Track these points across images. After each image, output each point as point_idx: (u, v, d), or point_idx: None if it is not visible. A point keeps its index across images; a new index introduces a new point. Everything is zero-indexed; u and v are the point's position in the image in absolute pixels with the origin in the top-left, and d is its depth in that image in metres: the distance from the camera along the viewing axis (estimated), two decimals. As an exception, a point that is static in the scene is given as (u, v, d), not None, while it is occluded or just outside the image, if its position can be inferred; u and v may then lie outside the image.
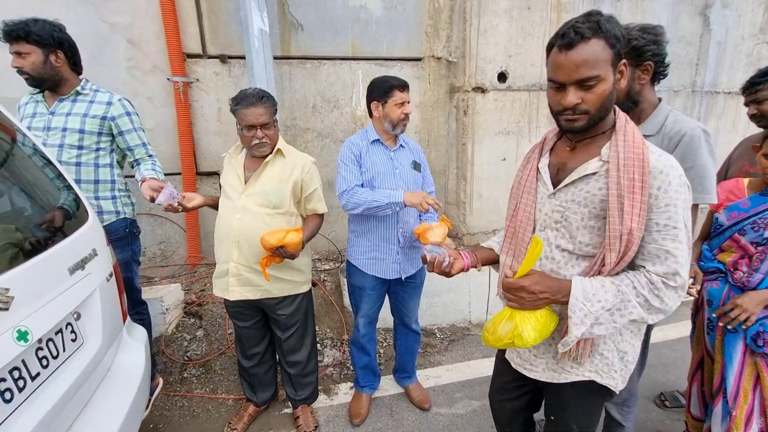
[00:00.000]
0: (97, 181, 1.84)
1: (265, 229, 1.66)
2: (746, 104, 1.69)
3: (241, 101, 1.63)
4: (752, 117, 1.67)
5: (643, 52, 1.32)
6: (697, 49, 3.83)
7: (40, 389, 1.07)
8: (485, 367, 2.54)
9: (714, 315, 1.55)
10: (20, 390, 1.01)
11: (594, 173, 0.97)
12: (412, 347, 2.21)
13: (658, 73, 1.39)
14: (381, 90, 1.81)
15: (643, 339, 1.42)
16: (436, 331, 2.94)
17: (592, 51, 0.87)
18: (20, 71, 1.69)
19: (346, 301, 2.91)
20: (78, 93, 1.81)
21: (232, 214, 1.68)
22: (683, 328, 2.99)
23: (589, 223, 0.98)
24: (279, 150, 1.75)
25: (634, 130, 0.95)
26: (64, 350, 1.19)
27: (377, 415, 2.13)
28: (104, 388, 1.33)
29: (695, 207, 1.40)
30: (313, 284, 2.92)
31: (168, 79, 2.90)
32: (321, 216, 1.88)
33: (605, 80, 0.90)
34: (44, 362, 1.11)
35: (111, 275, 1.49)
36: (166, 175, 2.90)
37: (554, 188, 1.04)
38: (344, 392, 2.32)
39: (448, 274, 1.19)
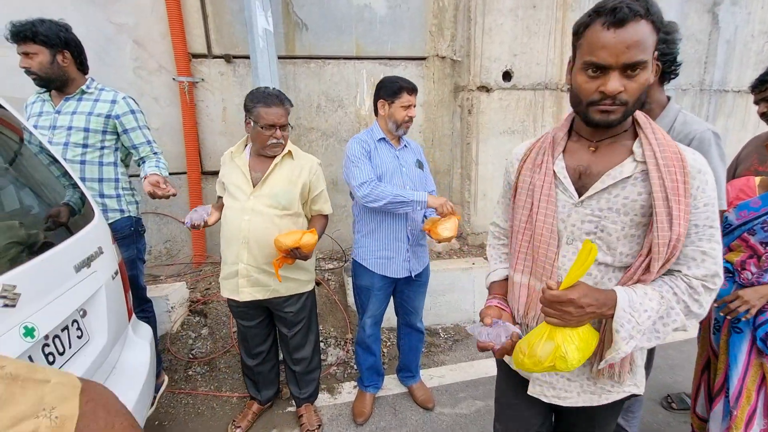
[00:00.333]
0: (101, 180, 1.86)
1: (274, 230, 1.68)
2: (756, 102, 1.66)
3: (262, 100, 1.62)
4: (762, 115, 1.65)
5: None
6: (706, 47, 3.79)
7: (46, 385, 1.08)
8: (489, 367, 2.53)
9: (716, 305, 1.54)
10: (26, 386, 1.01)
11: (629, 176, 0.87)
12: (416, 346, 2.21)
13: (668, 72, 1.33)
14: (390, 89, 1.82)
15: None
16: (440, 331, 2.93)
17: (643, 32, 0.78)
18: (28, 71, 1.71)
19: (350, 300, 2.91)
20: (83, 92, 1.82)
21: (240, 216, 1.68)
22: (690, 330, 2.95)
23: (630, 232, 0.88)
24: (289, 152, 1.76)
25: (659, 127, 0.90)
26: (70, 347, 1.20)
27: (381, 415, 2.13)
28: (109, 385, 1.34)
29: None
30: (317, 283, 2.92)
31: (173, 79, 2.92)
32: (326, 217, 1.90)
33: (647, 69, 0.81)
34: (50, 358, 1.12)
35: (116, 273, 1.51)
36: (171, 174, 2.93)
37: (579, 195, 0.92)
38: (347, 391, 2.32)
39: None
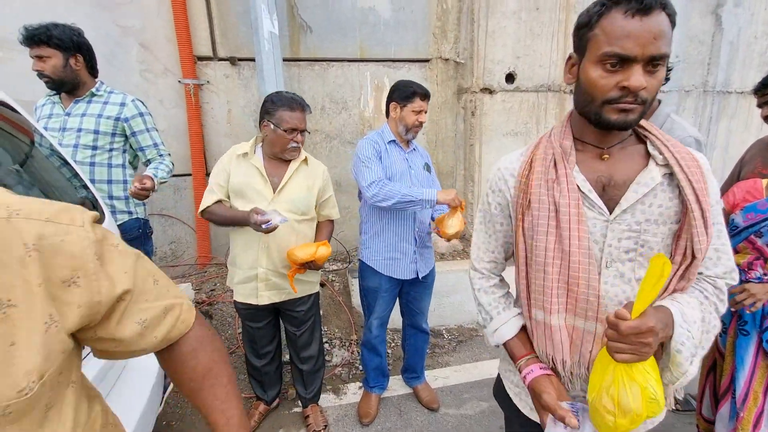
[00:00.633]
0: (110, 181, 1.87)
1: (293, 235, 1.71)
2: (759, 105, 1.67)
3: (286, 104, 1.64)
4: (766, 118, 1.65)
5: None
6: (709, 49, 3.79)
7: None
8: (493, 368, 2.53)
9: None
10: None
11: (658, 183, 0.81)
12: (422, 347, 2.22)
13: None
14: (403, 93, 1.84)
15: None
16: (443, 332, 2.94)
17: (667, 24, 0.71)
18: (41, 74, 1.73)
19: (354, 301, 2.92)
20: (93, 94, 1.84)
21: None
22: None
23: (667, 242, 0.81)
24: (305, 158, 1.79)
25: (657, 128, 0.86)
26: (83, 347, 1.22)
27: (386, 415, 2.14)
28: (121, 384, 1.35)
29: None
30: (321, 284, 2.93)
31: (179, 81, 2.94)
32: (332, 222, 1.93)
33: (664, 66, 0.73)
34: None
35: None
36: (176, 176, 2.95)
37: (610, 210, 0.82)
38: (353, 392, 2.33)
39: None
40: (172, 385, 2.13)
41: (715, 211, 0.83)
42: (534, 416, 0.96)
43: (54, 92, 1.84)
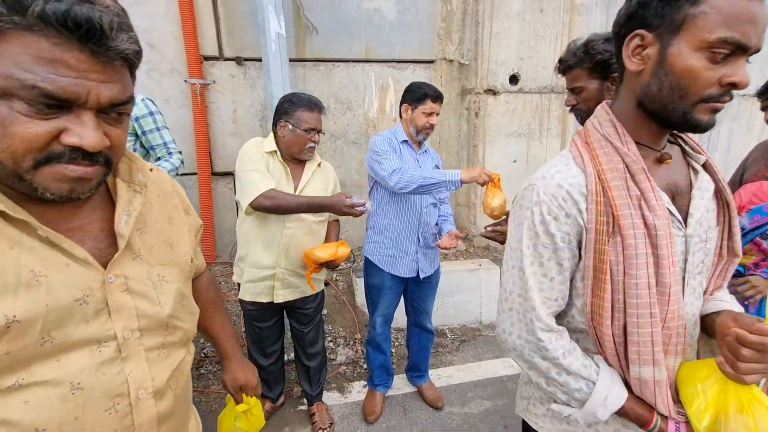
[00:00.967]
0: (121, 181, 1.89)
1: (311, 237, 1.74)
2: (763, 109, 1.69)
3: (305, 104, 1.65)
4: None
5: (609, 65, 1.25)
6: (711, 51, 3.81)
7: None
8: (497, 368, 2.55)
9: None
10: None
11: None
12: (426, 347, 2.24)
13: None
14: (415, 95, 1.86)
15: None
16: (447, 332, 2.96)
17: None
18: None
19: (358, 300, 2.94)
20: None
21: (282, 222, 1.68)
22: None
23: (716, 245, 0.76)
24: (320, 162, 1.82)
25: None
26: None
27: (391, 413, 2.16)
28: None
29: None
30: (326, 284, 2.95)
31: (185, 81, 2.96)
32: (338, 221, 1.97)
33: None
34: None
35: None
36: (181, 175, 2.96)
37: (684, 223, 0.72)
38: (357, 390, 2.35)
39: None
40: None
41: None
42: None
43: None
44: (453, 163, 3.65)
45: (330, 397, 2.27)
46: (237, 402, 0.96)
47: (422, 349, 2.24)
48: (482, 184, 1.68)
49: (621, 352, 0.70)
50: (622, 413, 0.71)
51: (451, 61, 3.43)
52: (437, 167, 2.03)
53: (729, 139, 4.10)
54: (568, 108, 1.40)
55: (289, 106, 1.66)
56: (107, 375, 0.55)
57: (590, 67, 1.27)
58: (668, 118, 0.66)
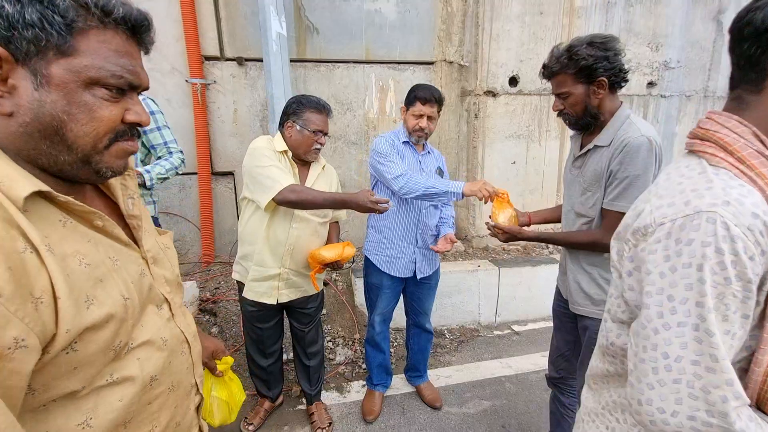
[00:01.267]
0: (121, 180, 1.90)
1: (316, 237, 1.75)
2: None
3: (314, 106, 1.66)
4: None
5: (593, 70, 1.25)
6: (710, 54, 3.83)
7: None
8: (495, 368, 2.56)
9: None
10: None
11: None
12: (425, 347, 2.25)
13: (618, 81, 1.30)
14: (408, 96, 1.88)
15: None
16: (445, 332, 2.97)
17: None
18: None
19: (358, 300, 2.95)
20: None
21: (288, 223, 1.69)
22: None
23: None
24: (324, 165, 1.83)
25: None
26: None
27: (389, 413, 2.17)
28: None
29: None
30: (325, 284, 2.96)
31: (186, 80, 2.97)
32: (338, 223, 1.99)
33: None
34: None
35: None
36: (181, 174, 2.96)
37: None
38: (356, 390, 2.35)
39: None
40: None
41: None
42: None
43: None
44: (452, 164, 3.66)
45: (329, 397, 2.28)
46: (213, 372, 0.99)
47: (421, 350, 2.25)
48: (483, 200, 1.65)
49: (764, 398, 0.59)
50: None
51: (451, 62, 3.44)
52: (440, 169, 2.03)
53: (727, 141, 4.12)
54: (556, 113, 1.41)
55: (297, 107, 1.67)
56: (171, 328, 0.68)
57: (575, 73, 1.28)
58: None
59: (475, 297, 3.08)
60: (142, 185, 1.83)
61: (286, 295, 1.78)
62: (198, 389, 0.76)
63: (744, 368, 0.60)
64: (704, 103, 3.94)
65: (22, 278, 0.45)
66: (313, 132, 1.66)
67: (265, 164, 1.58)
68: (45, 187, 0.50)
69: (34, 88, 0.49)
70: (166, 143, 2.00)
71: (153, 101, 1.96)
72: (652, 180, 1.24)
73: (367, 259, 2.05)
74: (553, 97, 1.41)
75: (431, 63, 3.42)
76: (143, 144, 1.97)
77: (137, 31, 0.56)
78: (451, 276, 2.97)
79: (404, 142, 1.94)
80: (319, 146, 1.70)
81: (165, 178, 1.94)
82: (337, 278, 3.18)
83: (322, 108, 1.68)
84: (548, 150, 3.61)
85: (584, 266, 1.41)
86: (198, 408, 0.77)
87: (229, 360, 1.03)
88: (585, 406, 0.84)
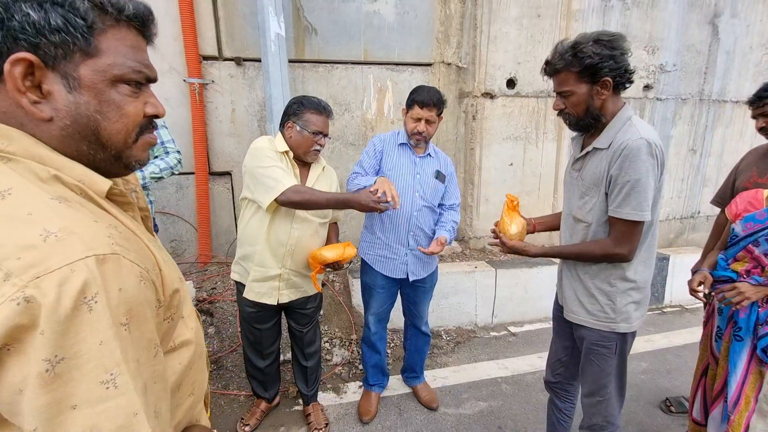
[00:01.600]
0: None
1: (316, 238, 1.76)
2: (754, 117, 1.72)
3: (315, 107, 1.66)
4: (760, 130, 1.70)
5: (598, 69, 1.19)
6: (706, 58, 3.86)
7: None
8: (491, 369, 2.57)
9: (713, 293, 1.60)
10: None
11: None
12: (422, 349, 2.25)
13: (623, 82, 1.26)
14: (408, 99, 1.88)
15: (621, 369, 1.39)
16: (442, 333, 2.98)
17: None
18: None
19: (355, 301, 2.95)
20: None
21: (290, 223, 1.69)
22: (688, 335, 3.01)
23: None
24: (324, 166, 1.83)
25: None
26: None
27: (386, 414, 2.17)
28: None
29: (636, 224, 1.24)
30: (322, 284, 2.96)
31: (184, 80, 2.96)
32: (337, 224, 2.00)
33: None
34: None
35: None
36: (178, 174, 2.95)
37: None
38: (353, 391, 2.36)
39: None
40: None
41: None
42: None
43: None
44: (450, 165, 3.67)
45: (325, 398, 2.28)
46: None
47: (418, 351, 2.25)
48: (507, 209, 1.52)
49: None
50: None
51: (449, 64, 3.45)
52: (439, 172, 1.99)
53: (722, 145, 4.16)
54: (556, 112, 1.36)
55: (298, 108, 1.67)
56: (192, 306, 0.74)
57: (579, 71, 1.22)
58: None
59: (471, 298, 3.09)
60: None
61: (286, 296, 1.78)
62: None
63: None
64: (699, 107, 3.98)
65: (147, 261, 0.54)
66: (313, 133, 1.66)
67: (268, 164, 1.58)
68: (110, 183, 0.55)
69: (67, 91, 0.50)
70: (163, 143, 2.00)
71: None
72: (654, 184, 1.21)
73: (362, 259, 2.06)
74: (551, 99, 1.39)
75: (429, 64, 3.43)
76: None
77: (145, 24, 0.57)
78: (448, 277, 2.97)
79: (401, 144, 1.94)
80: (318, 147, 1.70)
81: (159, 178, 1.94)
82: (334, 279, 3.18)
83: (322, 109, 1.68)
84: (545, 152, 3.63)
85: (579, 274, 1.39)
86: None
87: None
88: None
